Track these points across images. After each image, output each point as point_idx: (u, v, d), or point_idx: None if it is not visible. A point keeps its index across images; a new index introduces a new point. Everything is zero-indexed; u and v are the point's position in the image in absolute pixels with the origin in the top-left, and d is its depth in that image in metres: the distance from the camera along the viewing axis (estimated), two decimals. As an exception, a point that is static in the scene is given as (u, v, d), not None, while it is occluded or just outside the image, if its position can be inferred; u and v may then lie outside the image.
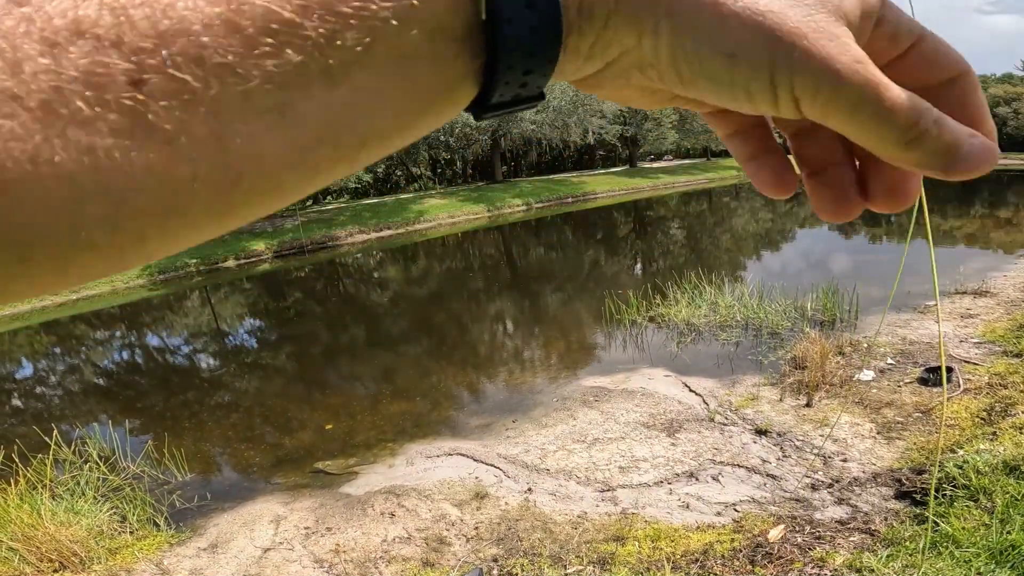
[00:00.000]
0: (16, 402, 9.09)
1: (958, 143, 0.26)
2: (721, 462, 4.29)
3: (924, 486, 3.53)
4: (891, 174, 0.29)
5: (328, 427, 5.94)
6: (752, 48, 0.24)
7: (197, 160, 0.20)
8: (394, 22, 0.22)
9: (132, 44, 0.19)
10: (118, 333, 13.73)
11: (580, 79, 0.29)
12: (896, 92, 0.25)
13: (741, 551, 3.25)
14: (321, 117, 0.22)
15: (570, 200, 34.39)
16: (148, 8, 0.19)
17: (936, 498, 3.35)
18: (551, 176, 43.62)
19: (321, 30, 0.21)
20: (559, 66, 0.26)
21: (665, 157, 63.35)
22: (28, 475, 4.20)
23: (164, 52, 0.19)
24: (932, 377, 4.99)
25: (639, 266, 14.94)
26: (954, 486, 3.39)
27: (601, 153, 56.97)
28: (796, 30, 0.24)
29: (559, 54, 0.25)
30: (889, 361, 5.63)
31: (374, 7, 0.21)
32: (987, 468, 3.41)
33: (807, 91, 0.25)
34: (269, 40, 0.20)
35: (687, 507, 3.80)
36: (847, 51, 0.24)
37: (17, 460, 4.57)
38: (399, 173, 41.90)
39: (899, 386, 5.07)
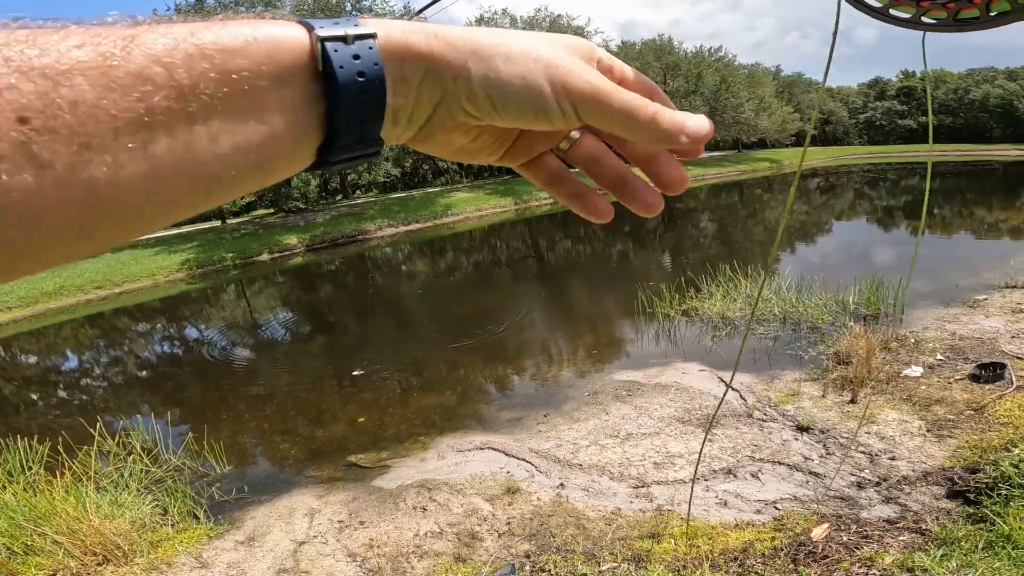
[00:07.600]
0: (62, 394, 9.40)
1: (684, 118, 0.37)
2: (760, 459, 4.17)
3: (978, 485, 3.37)
4: (665, 166, 0.41)
5: (360, 420, 5.98)
6: (536, 73, 0.35)
7: (66, 183, 0.24)
8: (246, 73, 0.28)
9: (23, 88, 0.23)
10: (159, 326, 14.11)
11: (415, 132, 0.37)
12: (627, 92, 0.37)
13: (783, 550, 3.15)
14: (179, 152, 0.27)
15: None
16: (46, 57, 0.24)
17: (991, 497, 3.20)
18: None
19: (186, 81, 0.26)
20: (394, 114, 0.34)
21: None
22: (74, 467, 4.28)
23: (52, 96, 0.24)
24: (985, 374, 4.76)
25: (669, 259, 14.71)
26: (1010, 485, 3.23)
27: (629, 145, 56.30)
28: (560, 61, 0.36)
29: (387, 95, 0.33)
30: (939, 357, 5.40)
31: (232, 63, 0.28)
32: (1046, 468, 3.24)
33: (577, 98, 0.36)
34: (141, 88, 0.25)
35: (725, 504, 3.70)
36: (592, 72, 0.37)
37: (63, 452, 4.69)
38: (426, 167, 42.08)
39: (949, 383, 4.86)
